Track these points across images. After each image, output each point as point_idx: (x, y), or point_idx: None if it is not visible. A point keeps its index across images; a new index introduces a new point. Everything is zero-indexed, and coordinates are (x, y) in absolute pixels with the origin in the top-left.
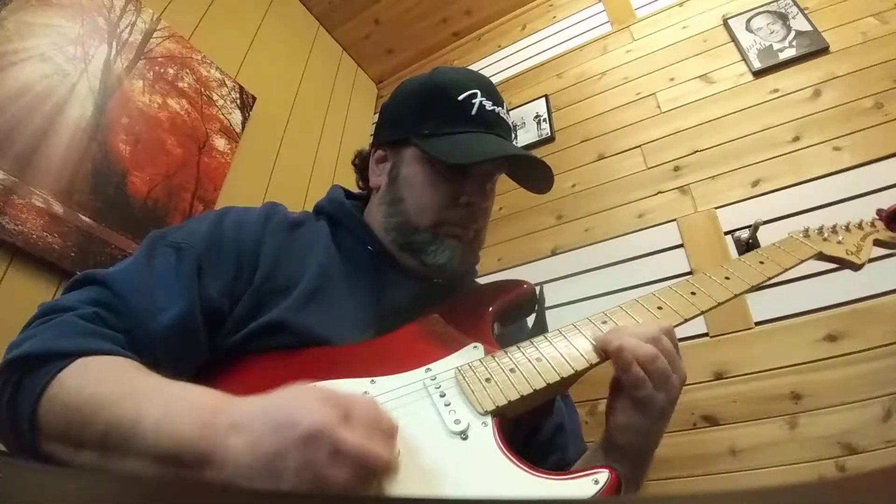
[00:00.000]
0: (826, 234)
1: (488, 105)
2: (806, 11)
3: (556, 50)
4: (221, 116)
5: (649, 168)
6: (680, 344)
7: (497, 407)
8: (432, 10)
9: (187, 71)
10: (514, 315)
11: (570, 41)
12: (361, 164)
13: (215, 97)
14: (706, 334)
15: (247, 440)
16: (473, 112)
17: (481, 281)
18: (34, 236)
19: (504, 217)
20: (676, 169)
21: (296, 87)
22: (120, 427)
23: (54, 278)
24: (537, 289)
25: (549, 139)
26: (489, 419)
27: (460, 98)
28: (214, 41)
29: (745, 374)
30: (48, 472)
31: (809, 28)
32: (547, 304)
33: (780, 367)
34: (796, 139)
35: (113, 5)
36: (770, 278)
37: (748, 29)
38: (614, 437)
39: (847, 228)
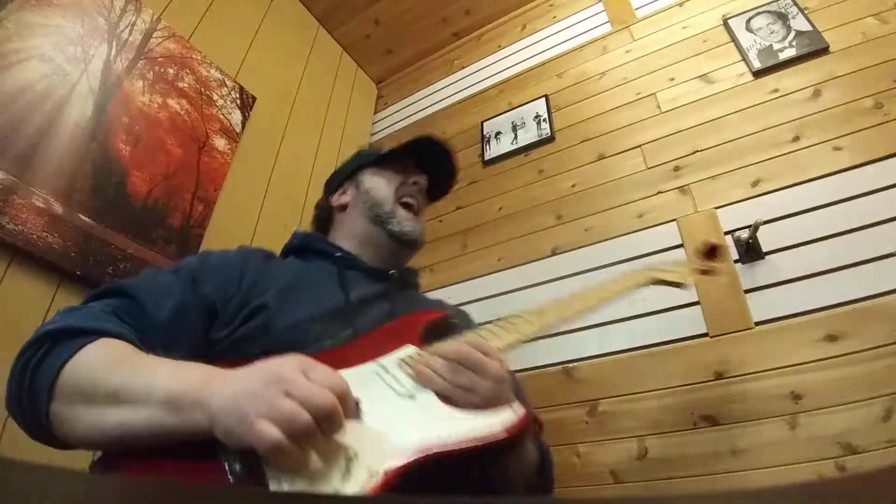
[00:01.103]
0: (665, 267)
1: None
2: (806, 11)
3: (556, 50)
4: (221, 116)
5: (649, 168)
6: (679, 344)
7: None
8: (432, 10)
9: (187, 71)
10: (440, 334)
11: (570, 41)
12: (324, 206)
13: (215, 97)
14: (706, 334)
15: (231, 387)
16: (402, 142)
17: (481, 281)
18: (34, 236)
19: (504, 217)
20: (676, 169)
21: (296, 87)
22: (135, 379)
23: (54, 278)
24: (455, 318)
25: (549, 139)
26: (428, 389)
27: (376, 148)
28: (214, 41)
29: (745, 374)
30: (48, 472)
31: (809, 28)
32: None
33: (780, 367)
34: (796, 139)
35: (113, 5)
36: (610, 299)
37: (748, 29)
38: None
39: (676, 263)
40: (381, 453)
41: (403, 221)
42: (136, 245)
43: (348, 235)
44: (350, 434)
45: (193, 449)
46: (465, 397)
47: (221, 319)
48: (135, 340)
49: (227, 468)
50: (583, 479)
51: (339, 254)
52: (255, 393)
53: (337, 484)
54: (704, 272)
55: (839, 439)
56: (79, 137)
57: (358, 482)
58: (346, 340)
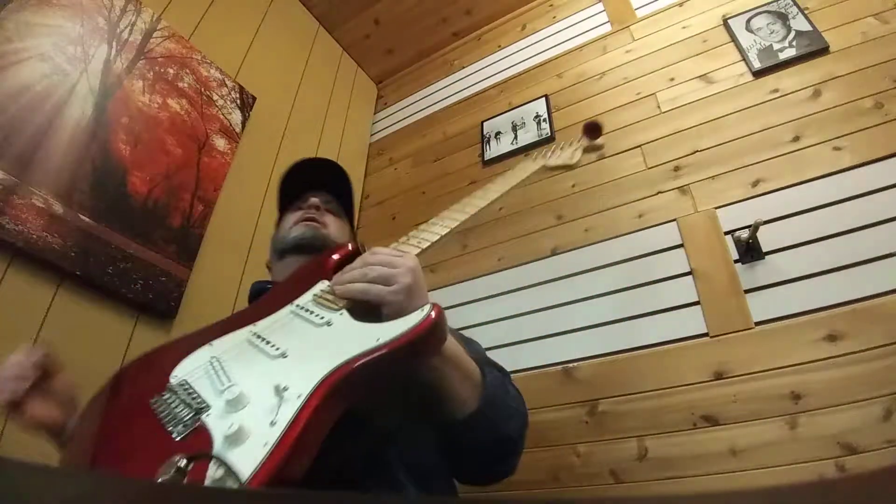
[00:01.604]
0: (546, 153)
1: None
2: (806, 11)
3: (556, 50)
4: (221, 116)
5: (649, 168)
6: (679, 344)
7: (347, 301)
8: (432, 10)
9: (187, 71)
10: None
11: (570, 41)
12: None
13: (215, 97)
14: (706, 334)
15: None
16: (289, 173)
17: (480, 280)
18: (34, 236)
19: (504, 217)
20: (676, 169)
21: (296, 87)
22: None
23: (54, 278)
24: (361, 246)
25: (549, 139)
26: (344, 311)
27: (284, 175)
28: (214, 41)
29: (745, 374)
30: (48, 472)
31: (809, 28)
32: (547, 305)
33: (780, 367)
34: (796, 139)
35: (113, 5)
36: (505, 192)
37: (748, 29)
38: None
39: (560, 147)
40: (305, 380)
41: (291, 233)
42: (136, 245)
43: (276, 274)
44: (279, 368)
45: None
46: (385, 293)
47: None
48: None
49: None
50: (583, 479)
51: (269, 286)
52: None
53: (270, 409)
54: (589, 150)
55: (839, 439)
56: (79, 137)
57: (292, 408)
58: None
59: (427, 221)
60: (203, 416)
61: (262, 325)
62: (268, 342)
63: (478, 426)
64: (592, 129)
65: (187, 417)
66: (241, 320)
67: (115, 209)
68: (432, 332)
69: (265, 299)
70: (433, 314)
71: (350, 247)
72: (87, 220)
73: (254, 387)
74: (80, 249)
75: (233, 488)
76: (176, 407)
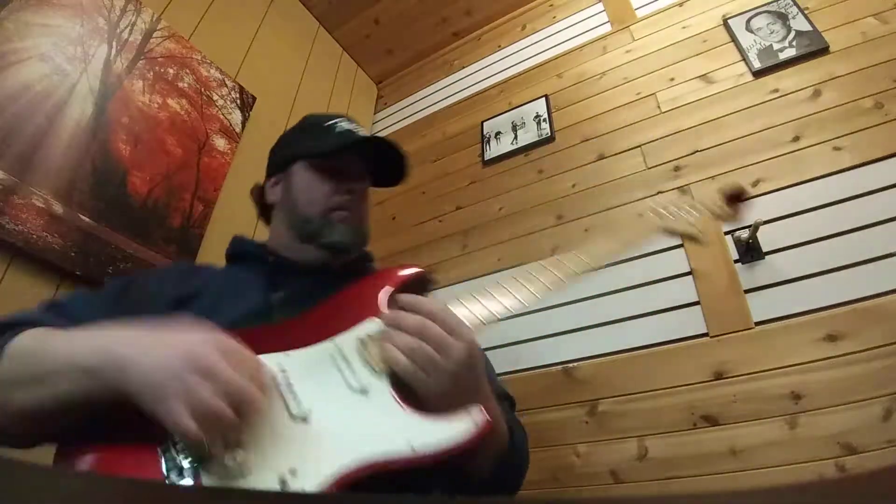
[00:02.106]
0: (672, 212)
1: (351, 126)
2: (806, 11)
3: (556, 50)
4: (221, 116)
5: (649, 168)
6: (679, 344)
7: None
8: (432, 10)
9: (187, 71)
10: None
11: (570, 41)
12: (259, 195)
13: (215, 97)
14: (706, 334)
15: (148, 358)
16: (339, 130)
17: (480, 281)
18: (34, 236)
19: (504, 217)
20: (676, 169)
21: (296, 87)
22: (56, 352)
23: (54, 278)
24: (428, 273)
25: (549, 139)
26: (384, 377)
27: (327, 124)
28: (214, 41)
29: (745, 374)
30: (48, 472)
31: (809, 28)
32: (547, 305)
33: (780, 367)
34: (796, 139)
35: (113, 5)
36: (619, 252)
37: (748, 29)
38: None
39: (691, 207)
40: (323, 462)
41: (332, 234)
42: (136, 245)
43: (280, 241)
44: (294, 438)
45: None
46: (424, 384)
47: None
48: (58, 323)
49: (161, 456)
50: (583, 479)
51: (271, 258)
52: (172, 372)
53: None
54: (720, 217)
55: (839, 439)
56: (79, 137)
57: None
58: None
59: (500, 278)
60: (201, 473)
61: (294, 361)
62: (293, 390)
63: (494, 487)
64: (736, 198)
65: (186, 467)
66: (271, 338)
67: (115, 209)
68: (474, 446)
69: (309, 318)
70: (480, 428)
71: (415, 273)
72: (87, 220)
73: (262, 457)
74: (80, 249)
75: (233, 488)
76: (179, 453)
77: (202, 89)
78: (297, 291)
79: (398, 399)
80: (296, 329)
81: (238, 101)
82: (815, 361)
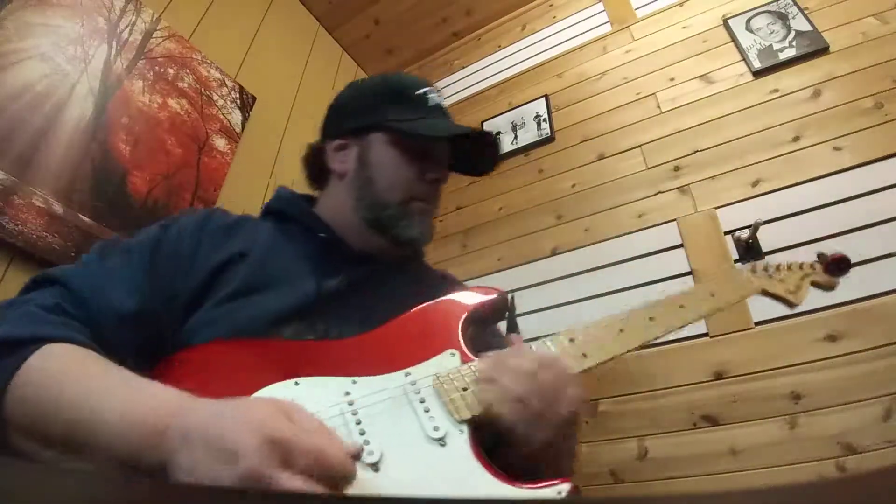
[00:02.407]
0: (770, 272)
1: (440, 99)
2: (806, 11)
3: (556, 50)
4: (221, 116)
5: (649, 168)
6: (679, 344)
7: (473, 416)
8: (432, 10)
9: (187, 71)
10: (486, 321)
11: (570, 41)
12: (315, 156)
13: (215, 97)
14: (706, 334)
15: (188, 463)
16: (430, 104)
17: (481, 281)
18: (34, 236)
19: (504, 217)
20: (676, 169)
21: (296, 87)
22: (78, 431)
23: None
24: (510, 297)
25: (549, 139)
26: (465, 427)
27: (418, 93)
28: (214, 41)
29: (745, 374)
30: (48, 472)
31: (809, 28)
32: (547, 305)
33: (780, 367)
34: (796, 139)
35: (113, 5)
36: (718, 310)
37: (748, 29)
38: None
39: (789, 268)
40: None
41: (410, 227)
42: None
43: (336, 216)
44: (362, 488)
45: None
46: (526, 439)
47: (181, 302)
48: (81, 339)
49: None
50: (583, 479)
51: (322, 234)
52: (240, 456)
53: None
54: (818, 285)
55: (839, 439)
56: (79, 137)
57: None
58: (352, 333)
59: (606, 322)
60: None
61: (363, 391)
62: (363, 429)
63: None
64: (840, 266)
65: None
66: (334, 353)
67: (115, 209)
68: None
69: (376, 336)
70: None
71: (495, 298)
72: (87, 220)
73: None
74: (80, 249)
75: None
76: None
77: (202, 89)
78: (350, 284)
79: (478, 455)
80: (361, 348)
81: (238, 101)
82: (815, 361)
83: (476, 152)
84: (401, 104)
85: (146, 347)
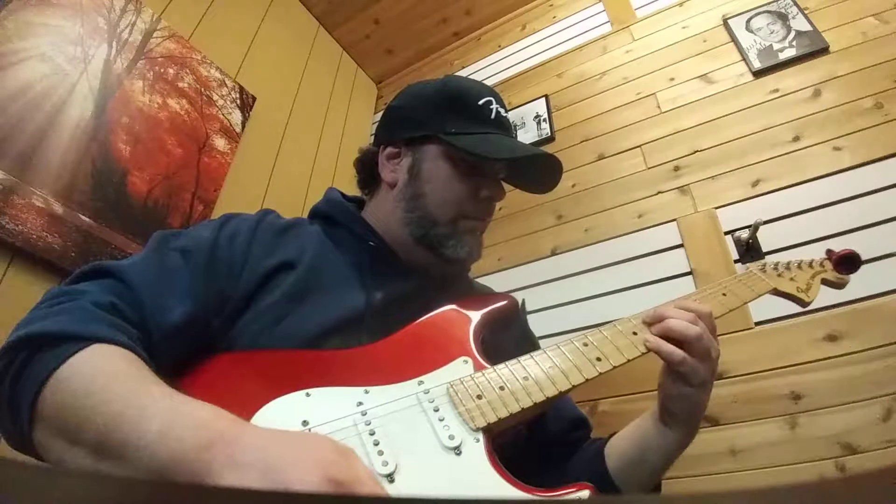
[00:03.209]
0: (780, 271)
1: (502, 111)
2: (806, 11)
3: (556, 50)
4: (221, 116)
5: (649, 168)
6: None
7: (488, 424)
8: (432, 10)
9: (187, 71)
10: (498, 326)
11: (570, 41)
12: (368, 161)
13: (215, 97)
14: None
15: (238, 485)
16: (492, 116)
17: (481, 281)
18: (34, 236)
19: (504, 217)
20: (676, 169)
21: (296, 87)
22: (119, 430)
23: (54, 278)
24: (521, 301)
25: (549, 139)
26: (481, 435)
27: (480, 103)
28: (214, 41)
29: (745, 374)
30: (48, 472)
31: (809, 28)
32: (547, 305)
33: (780, 367)
34: (796, 139)
35: (113, 5)
36: (731, 310)
37: (748, 29)
38: (667, 407)
39: (799, 266)
40: None
41: (459, 246)
42: (136, 245)
43: (384, 226)
44: None
45: None
46: (694, 372)
47: (232, 306)
48: (133, 346)
49: None
50: None
51: (372, 243)
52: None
53: None
54: (829, 283)
55: (839, 439)
56: (79, 137)
57: None
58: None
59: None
60: None
61: (376, 401)
62: (376, 439)
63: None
64: (850, 263)
65: None
66: (346, 362)
67: (115, 209)
68: None
69: (389, 344)
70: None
71: (507, 304)
72: (87, 220)
73: None
74: (80, 249)
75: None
76: None
77: (202, 89)
78: (397, 298)
79: (494, 463)
80: (373, 357)
81: (238, 101)
82: (815, 361)
83: (535, 170)
84: (459, 114)
85: (187, 354)
